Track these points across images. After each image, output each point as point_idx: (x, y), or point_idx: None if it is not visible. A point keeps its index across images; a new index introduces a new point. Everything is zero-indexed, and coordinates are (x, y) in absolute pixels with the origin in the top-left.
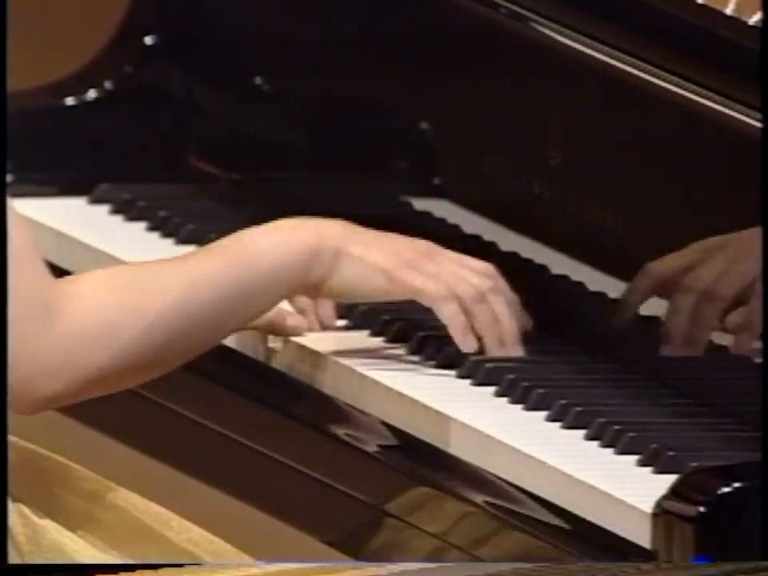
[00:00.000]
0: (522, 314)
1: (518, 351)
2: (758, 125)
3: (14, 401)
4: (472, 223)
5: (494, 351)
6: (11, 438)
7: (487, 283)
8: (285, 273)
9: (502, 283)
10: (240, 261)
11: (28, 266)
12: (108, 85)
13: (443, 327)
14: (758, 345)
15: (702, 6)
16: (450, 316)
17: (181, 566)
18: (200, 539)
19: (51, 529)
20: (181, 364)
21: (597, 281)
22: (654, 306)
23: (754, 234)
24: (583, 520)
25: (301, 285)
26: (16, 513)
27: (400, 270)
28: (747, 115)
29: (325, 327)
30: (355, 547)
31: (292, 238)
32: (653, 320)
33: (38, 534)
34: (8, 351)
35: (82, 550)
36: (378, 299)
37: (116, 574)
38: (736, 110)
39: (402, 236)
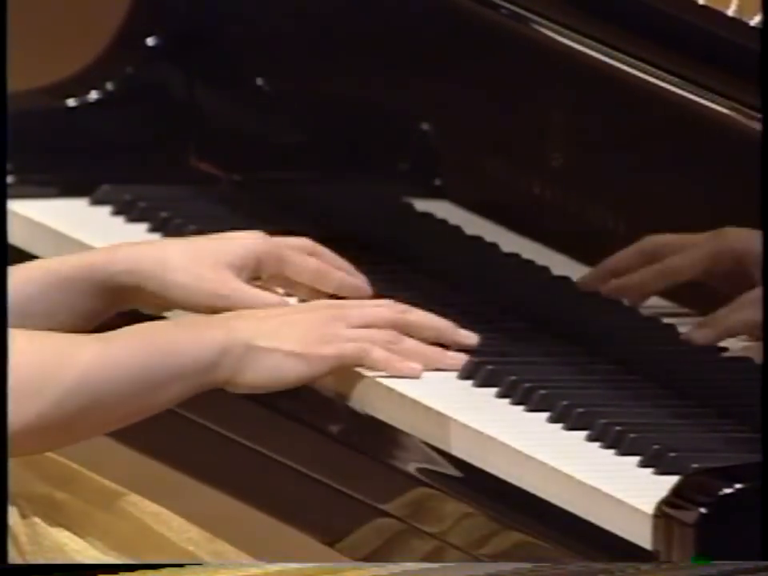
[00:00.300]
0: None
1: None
2: (759, 126)
3: None
4: (473, 224)
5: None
6: None
7: (394, 309)
8: (192, 368)
9: (404, 307)
10: (152, 348)
11: None
12: (109, 86)
13: None
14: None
15: (703, 6)
16: (381, 361)
17: (181, 566)
18: (200, 539)
19: (53, 530)
20: (107, 430)
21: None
22: (656, 307)
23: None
24: (584, 521)
25: (213, 381)
26: (17, 514)
27: (315, 348)
28: (749, 116)
29: None
30: (355, 548)
31: (203, 334)
32: (655, 321)
33: (39, 535)
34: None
35: (82, 550)
36: (301, 384)
37: (116, 574)
38: (738, 112)
39: (305, 307)
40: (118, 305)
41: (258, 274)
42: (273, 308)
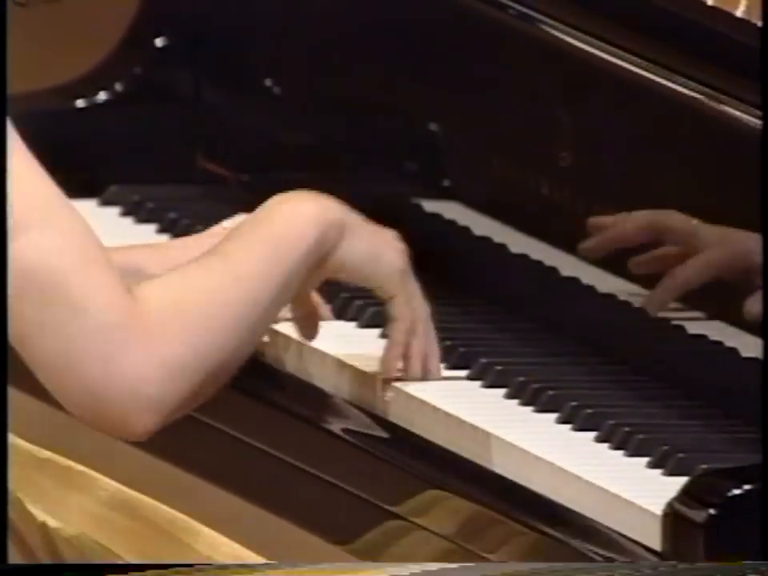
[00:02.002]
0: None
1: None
2: None
3: (137, 422)
4: (482, 225)
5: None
6: (26, 445)
7: (427, 310)
8: (311, 246)
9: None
10: (274, 241)
11: (104, 278)
12: (118, 87)
13: (453, 330)
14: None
15: (712, 7)
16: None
17: (191, 566)
18: (215, 542)
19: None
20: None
21: (607, 283)
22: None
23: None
24: (592, 521)
25: (320, 253)
26: (29, 516)
27: (399, 258)
28: (762, 118)
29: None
30: (367, 549)
31: (300, 210)
32: (664, 322)
33: (51, 537)
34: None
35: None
36: (382, 274)
37: (126, 573)
38: (748, 112)
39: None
40: None
41: None
42: None
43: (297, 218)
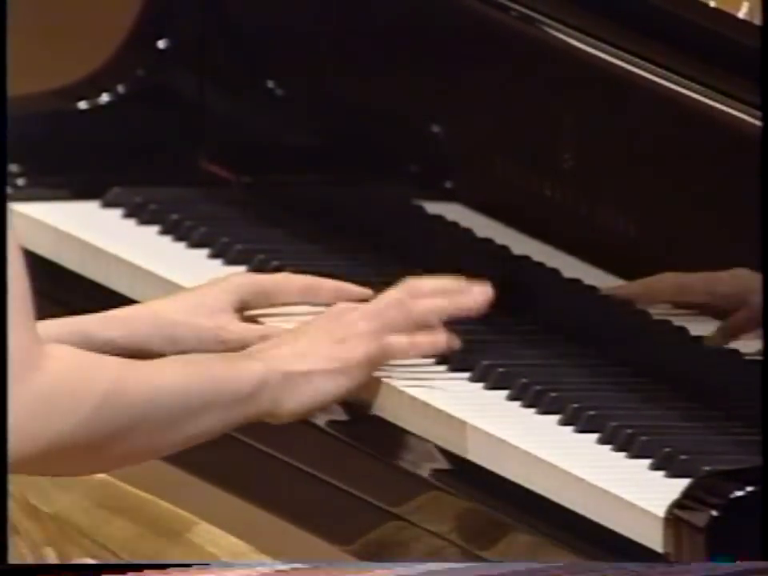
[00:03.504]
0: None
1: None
2: None
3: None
4: (484, 227)
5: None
6: None
7: (396, 294)
8: (231, 399)
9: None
10: (193, 376)
11: (17, 315)
12: (120, 88)
13: (454, 332)
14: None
15: (715, 9)
16: (404, 348)
17: (189, 565)
18: (221, 541)
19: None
20: (145, 459)
21: (609, 284)
22: (665, 310)
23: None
24: (595, 524)
25: (254, 413)
26: (34, 518)
27: (344, 355)
28: (763, 119)
29: None
30: (367, 550)
31: (241, 367)
32: (665, 323)
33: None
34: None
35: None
36: (341, 399)
37: (124, 573)
38: (751, 115)
39: (321, 316)
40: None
41: (249, 309)
42: (295, 328)
43: (240, 370)
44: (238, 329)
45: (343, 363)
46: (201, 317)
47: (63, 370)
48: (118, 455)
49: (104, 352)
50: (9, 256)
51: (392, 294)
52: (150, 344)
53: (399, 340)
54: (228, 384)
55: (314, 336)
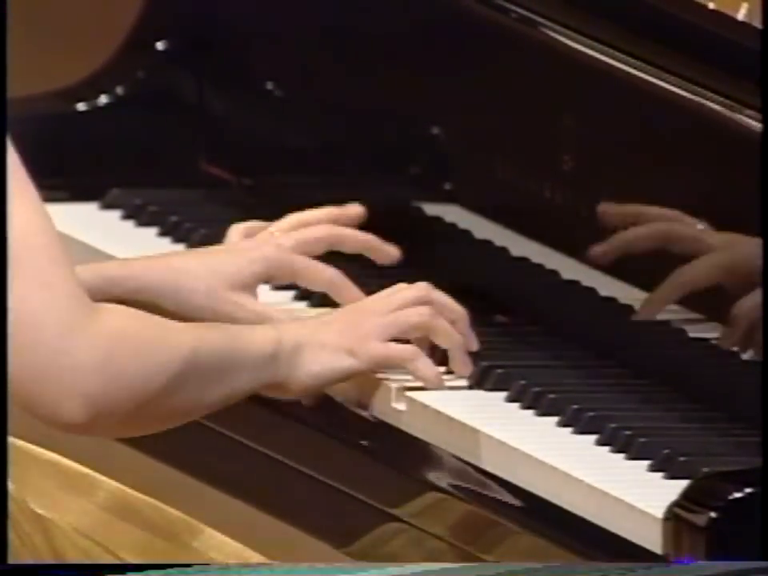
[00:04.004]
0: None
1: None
2: None
3: (63, 409)
4: (483, 228)
5: (459, 356)
6: (27, 445)
7: (427, 311)
8: (259, 359)
9: (438, 296)
10: (228, 337)
11: (62, 274)
12: (119, 90)
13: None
14: None
15: (714, 11)
16: (422, 372)
17: (189, 566)
18: (220, 544)
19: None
20: (185, 419)
21: (608, 286)
22: (666, 311)
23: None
24: (594, 525)
25: (273, 376)
26: (32, 518)
27: (361, 344)
28: (763, 121)
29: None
30: (366, 551)
31: (258, 330)
32: (664, 324)
33: (55, 539)
34: (7, 353)
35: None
36: (350, 377)
37: (124, 573)
38: (751, 117)
39: (342, 309)
40: None
41: (272, 282)
42: (313, 315)
43: (256, 339)
44: (254, 311)
45: (356, 347)
46: (222, 289)
47: (121, 323)
48: (159, 416)
49: (122, 300)
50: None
51: (415, 293)
52: (162, 304)
53: (423, 365)
54: (252, 346)
55: (329, 320)
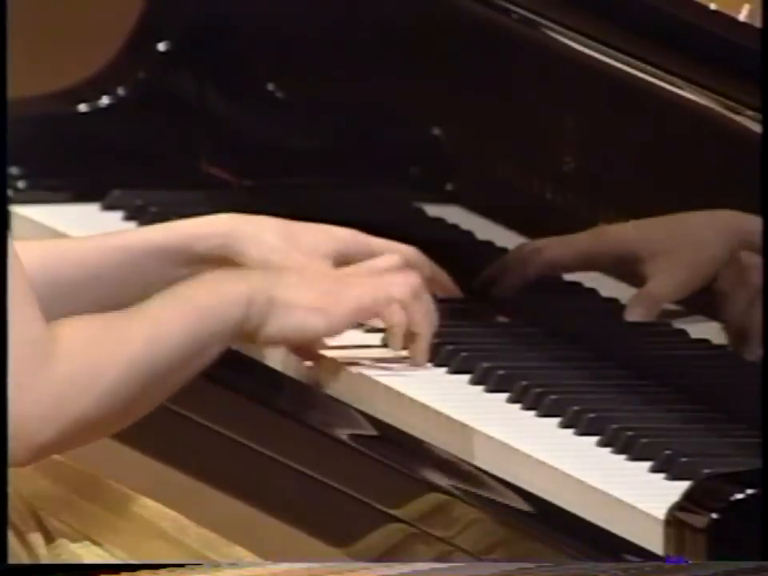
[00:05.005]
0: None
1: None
2: None
3: (12, 449)
4: (485, 229)
5: (423, 345)
6: None
7: (416, 279)
8: (230, 325)
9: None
10: (195, 313)
11: (23, 311)
12: (121, 91)
13: (454, 334)
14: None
15: (715, 12)
16: (394, 317)
17: (182, 566)
18: (217, 544)
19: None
20: (157, 405)
21: (609, 287)
22: (664, 311)
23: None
24: (595, 526)
25: (242, 333)
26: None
27: (334, 301)
28: (763, 122)
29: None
30: (366, 552)
31: (229, 290)
32: (665, 326)
33: (58, 547)
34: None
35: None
36: (319, 338)
37: (117, 574)
38: (752, 119)
39: (322, 265)
40: (201, 272)
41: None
42: (296, 268)
43: (224, 296)
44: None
45: (329, 307)
46: (301, 252)
47: (76, 352)
48: (142, 407)
49: (202, 258)
50: (7, 252)
51: (394, 261)
52: (240, 260)
53: (396, 312)
54: (223, 311)
55: (310, 276)
